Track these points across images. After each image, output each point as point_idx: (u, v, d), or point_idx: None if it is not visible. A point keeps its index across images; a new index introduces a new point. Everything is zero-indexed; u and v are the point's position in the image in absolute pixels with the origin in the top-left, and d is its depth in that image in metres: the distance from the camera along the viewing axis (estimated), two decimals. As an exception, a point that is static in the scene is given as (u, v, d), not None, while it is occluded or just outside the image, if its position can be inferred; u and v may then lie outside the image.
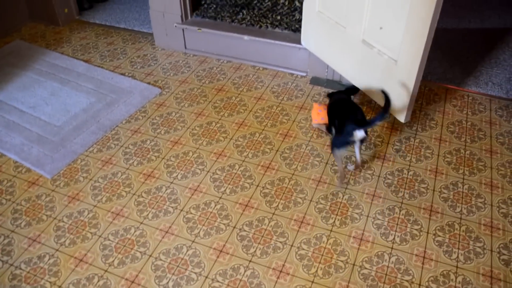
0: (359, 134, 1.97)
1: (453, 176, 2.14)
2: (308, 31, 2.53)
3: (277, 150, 2.28)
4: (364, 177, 2.13)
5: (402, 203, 2.01)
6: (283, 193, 2.05)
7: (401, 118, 2.15)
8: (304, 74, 2.78)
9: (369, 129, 2.22)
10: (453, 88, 2.70)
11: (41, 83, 2.77)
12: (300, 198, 2.03)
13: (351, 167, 2.17)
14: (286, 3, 2.75)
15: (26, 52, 3.05)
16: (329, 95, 2.34)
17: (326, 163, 2.21)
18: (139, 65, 2.91)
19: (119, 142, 2.34)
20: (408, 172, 2.16)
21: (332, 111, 2.20)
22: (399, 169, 2.18)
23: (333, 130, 2.14)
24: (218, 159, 2.23)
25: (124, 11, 3.50)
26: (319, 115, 2.36)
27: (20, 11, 3.34)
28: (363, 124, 1.98)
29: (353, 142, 2.02)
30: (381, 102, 2.25)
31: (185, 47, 3.00)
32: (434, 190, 2.07)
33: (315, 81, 2.73)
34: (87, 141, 2.34)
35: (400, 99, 2.10)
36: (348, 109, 2.09)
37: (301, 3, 2.70)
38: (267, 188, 2.07)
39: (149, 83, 2.74)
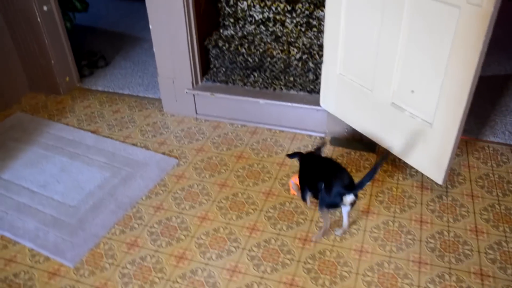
0: (349, 198, 1.92)
1: (495, 235, 2.07)
2: (328, 93, 2.49)
3: (311, 220, 2.18)
4: (405, 242, 2.05)
5: (450, 268, 1.93)
6: (327, 267, 1.94)
7: (439, 180, 2.09)
8: (322, 135, 2.72)
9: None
10: (473, 140, 2.69)
11: (48, 158, 2.63)
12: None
13: (338, 231, 2.09)
14: (300, 64, 2.72)
15: (29, 125, 2.92)
16: (297, 156, 2.17)
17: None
18: (150, 134, 2.81)
19: (143, 221, 2.20)
20: (448, 234, 2.09)
21: (310, 171, 2.10)
22: (439, 231, 2.11)
23: (308, 196, 2.11)
24: (252, 234, 2.11)
25: (126, 77, 3.42)
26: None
27: (20, 82, 3.22)
28: (353, 188, 1.92)
29: (342, 205, 1.97)
30: (414, 164, 2.20)
31: (196, 112, 2.92)
32: (479, 252, 1.99)
33: (335, 141, 2.67)
34: (107, 222, 2.20)
35: (436, 161, 2.05)
36: (332, 169, 2.01)
37: (315, 64, 2.68)
38: (309, 263, 1.96)
39: (164, 153, 2.64)
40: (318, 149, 2.20)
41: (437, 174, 2.07)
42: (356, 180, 1.95)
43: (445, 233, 2.10)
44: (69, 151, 2.67)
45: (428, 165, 2.09)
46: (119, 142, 2.73)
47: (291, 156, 2.18)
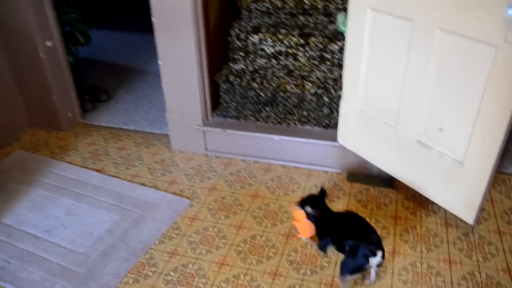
0: (376, 260, 1.79)
1: (529, 276, 1.98)
2: (347, 130, 2.41)
3: (335, 263, 2.06)
4: (436, 285, 1.94)
5: (485, 315, 1.82)
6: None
7: (470, 220, 2.00)
8: (339, 171, 2.64)
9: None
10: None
11: (53, 200, 2.50)
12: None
13: (366, 281, 1.96)
14: (314, 99, 2.65)
15: (30, 164, 2.79)
16: (310, 203, 2.04)
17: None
18: (159, 172, 2.70)
19: (157, 269, 2.06)
20: (480, 275, 1.99)
21: (334, 226, 1.98)
22: (470, 271, 2.01)
23: (327, 248, 2.00)
24: (275, 280, 1.99)
25: (130, 111, 3.32)
26: (306, 227, 2.07)
27: (20, 118, 3.11)
28: (380, 249, 1.79)
29: (368, 268, 1.83)
30: (442, 203, 2.12)
31: (206, 149, 2.82)
32: (515, 296, 1.90)
33: (353, 178, 2.58)
34: (119, 271, 2.06)
35: (467, 201, 1.96)
36: (360, 229, 1.89)
37: (330, 98, 2.62)
38: (340, 314, 1.84)
39: (174, 193, 2.52)
40: (322, 194, 2.08)
41: (467, 214, 1.98)
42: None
43: (476, 273, 2.00)
44: (74, 192, 2.54)
45: (458, 204, 2.00)
46: (127, 182, 2.61)
47: (302, 206, 2.06)
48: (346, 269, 1.82)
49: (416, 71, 1.93)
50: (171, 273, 2.04)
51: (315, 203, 2.03)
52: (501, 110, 1.69)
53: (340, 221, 2.00)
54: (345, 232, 1.92)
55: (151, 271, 2.05)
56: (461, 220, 2.25)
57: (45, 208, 2.44)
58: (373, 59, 2.11)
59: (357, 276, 1.89)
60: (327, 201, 2.10)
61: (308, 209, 2.02)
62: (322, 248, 2.04)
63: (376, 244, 1.80)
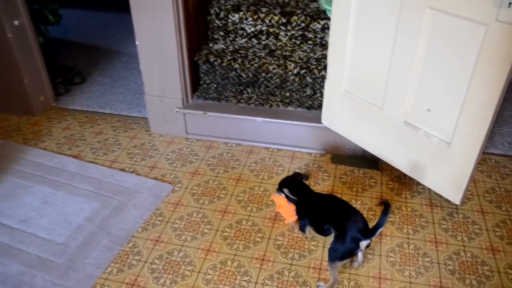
0: (365, 243, 1.76)
1: (511, 253, 2.00)
2: (331, 111, 2.38)
3: (323, 246, 2.05)
4: (424, 266, 1.94)
5: (473, 292, 1.84)
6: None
7: (456, 200, 2.01)
8: (322, 152, 2.60)
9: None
10: (474, 153, 2.63)
11: (28, 188, 2.39)
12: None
13: (355, 264, 1.95)
14: (297, 79, 2.60)
15: (1, 151, 2.66)
16: (288, 185, 1.99)
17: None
18: (139, 157, 2.61)
19: (142, 257, 2.00)
20: (465, 254, 2.01)
21: (314, 207, 1.95)
22: (455, 251, 2.02)
23: (306, 229, 2.00)
24: (263, 266, 1.96)
25: (106, 94, 3.20)
26: (290, 211, 2.03)
27: (-12, 103, 2.96)
28: (370, 234, 1.76)
29: (359, 251, 1.82)
30: (428, 184, 2.11)
31: (187, 132, 2.75)
32: (499, 272, 1.92)
33: (337, 159, 2.56)
34: (102, 260, 1.99)
35: (455, 181, 1.97)
36: (345, 212, 1.84)
37: (313, 79, 2.57)
38: (329, 297, 1.82)
39: (156, 178, 2.45)
40: (301, 175, 2.03)
41: (454, 195, 1.99)
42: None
43: (462, 253, 2.02)
44: (50, 180, 2.44)
45: (445, 185, 2.00)
46: (106, 168, 2.52)
47: (280, 189, 2.00)
48: (336, 255, 1.78)
49: (404, 50, 1.90)
50: (156, 261, 1.98)
51: (294, 185, 1.98)
52: (491, 90, 1.67)
53: (320, 203, 1.97)
54: (326, 214, 1.89)
55: (135, 260, 1.99)
56: (446, 200, 2.26)
57: (20, 197, 2.33)
58: (359, 38, 2.06)
59: (347, 261, 1.88)
60: (306, 182, 2.06)
61: (286, 191, 1.97)
62: (302, 228, 2.03)
63: (364, 227, 1.78)
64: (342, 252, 1.77)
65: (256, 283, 1.88)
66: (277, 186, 2.05)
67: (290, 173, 2.46)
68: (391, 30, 1.91)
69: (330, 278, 1.83)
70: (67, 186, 2.39)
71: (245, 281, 1.89)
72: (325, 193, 2.28)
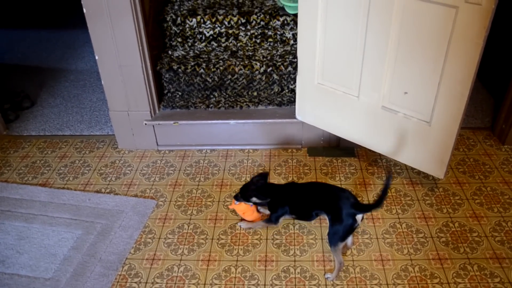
0: (360, 216, 1.83)
1: (493, 217, 2.13)
2: (305, 105, 2.40)
3: (321, 238, 2.06)
4: (419, 242, 2.02)
5: (468, 258, 1.94)
6: (356, 284, 1.84)
7: (440, 175, 2.10)
8: (298, 146, 2.62)
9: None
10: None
11: (-3, 226, 2.21)
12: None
13: (348, 249, 2.02)
14: (263, 78, 2.59)
15: (-43, 191, 2.44)
16: (254, 193, 2.01)
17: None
18: (113, 176, 2.50)
19: (141, 279, 1.92)
20: (454, 225, 2.11)
21: (298, 197, 1.99)
22: (444, 223, 2.11)
23: (281, 219, 2.04)
24: (267, 266, 1.94)
25: (61, 115, 3.03)
26: (253, 212, 2.11)
27: None
28: (364, 208, 1.85)
29: (357, 227, 1.87)
30: (410, 162, 2.19)
31: (157, 144, 2.66)
32: (486, 236, 2.03)
33: (313, 152, 2.59)
34: (99, 289, 1.89)
35: (437, 158, 2.05)
36: (333, 192, 1.90)
37: (280, 76, 2.58)
38: (338, 285, 1.84)
39: (136, 195, 2.35)
40: (261, 178, 2.05)
41: (438, 170, 2.07)
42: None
43: (450, 224, 2.11)
44: (21, 213, 2.27)
45: (428, 162, 2.08)
46: (79, 192, 2.38)
47: (247, 200, 2.03)
48: (338, 236, 1.81)
49: (377, 37, 1.95)
50: (158, 280, 1.90)
51: (259, 191, 1.99)
52: (466, 67, 1.75)
53: (304, 191, 2.00)
54: (314, 200, 1.93)
55: (135, 282, 1.90)
56: (424, 177, 2.36)
57: (-10, 237, 2.15)
58: (329, 29, 2.09)
59: (347, 240, 1.90)
60: (268, 178, 2.09)
61: (255, 199, 2.00)
62: (274, 220, 2.04)
63: (355, 201, 1.82)
64: (343, 231, 1.81)
65: (264, 285, 1.86)
66: (233, 196, 2.09)
67: (272, 171, 2.46)
68: (361, 19, 1.95)
69: (336, 263, 1.86)
70: (41, 217, 2.24)
71: (253, 285, 1.86)
72: (303, 182, 2.31)
